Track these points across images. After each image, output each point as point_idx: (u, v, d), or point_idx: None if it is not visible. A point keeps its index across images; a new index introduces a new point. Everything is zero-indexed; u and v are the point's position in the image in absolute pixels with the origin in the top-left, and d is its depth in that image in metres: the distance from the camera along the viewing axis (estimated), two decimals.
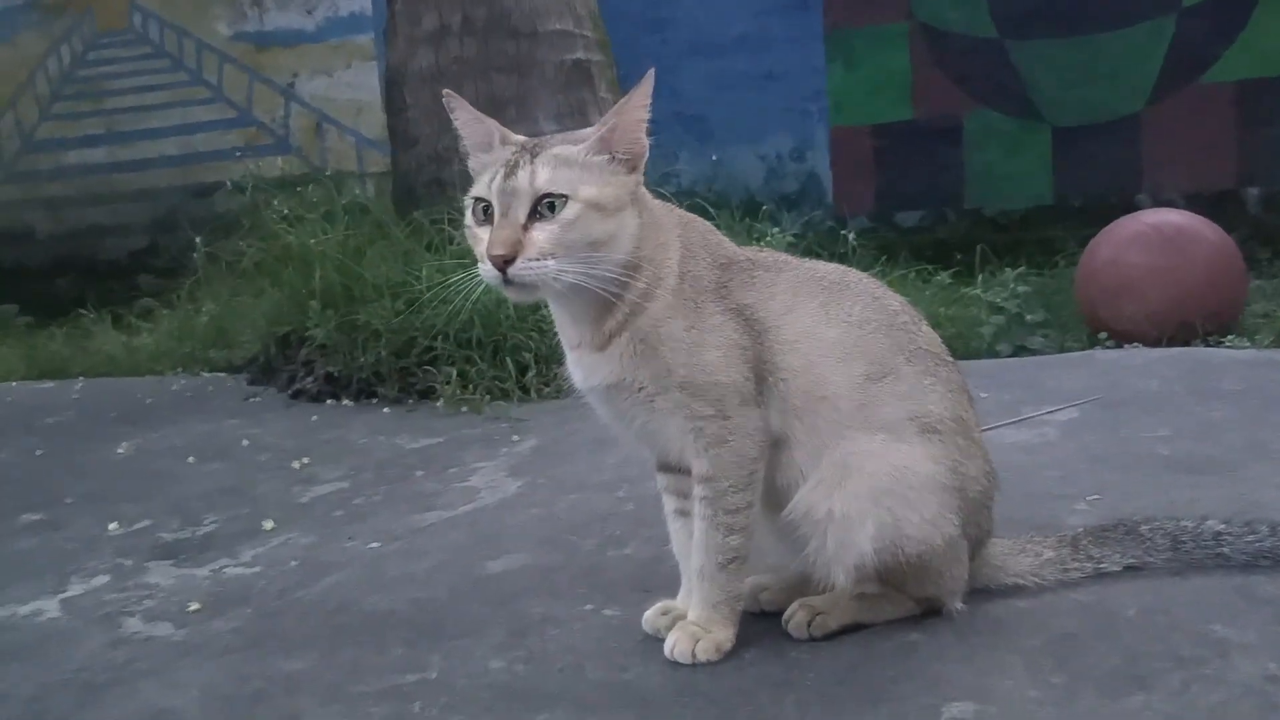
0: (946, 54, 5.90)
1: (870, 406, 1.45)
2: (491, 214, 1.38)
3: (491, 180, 1.38)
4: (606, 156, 1.40)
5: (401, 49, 4.50)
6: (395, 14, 4.54)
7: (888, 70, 6.01)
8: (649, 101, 1.41)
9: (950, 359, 1.56)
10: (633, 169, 1.42)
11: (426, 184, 4.35)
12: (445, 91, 1.49)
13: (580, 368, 1.49)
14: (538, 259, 1.34)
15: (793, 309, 1.47)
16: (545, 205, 1.35)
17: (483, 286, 1.43)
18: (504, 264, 1.34)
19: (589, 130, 1.43)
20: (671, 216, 1.51)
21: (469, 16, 4.38)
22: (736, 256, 1.52)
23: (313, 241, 3.86)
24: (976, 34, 5.82)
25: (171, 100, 7.56)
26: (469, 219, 1.43)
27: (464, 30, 4.38)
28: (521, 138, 1.46)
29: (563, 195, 1.36)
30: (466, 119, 1.47)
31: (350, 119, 7.16)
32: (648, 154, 1.44)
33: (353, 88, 7.12)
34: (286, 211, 4.07)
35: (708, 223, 1.56)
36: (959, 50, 5.87)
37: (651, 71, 1.40)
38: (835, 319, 1.48)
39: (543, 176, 1.36)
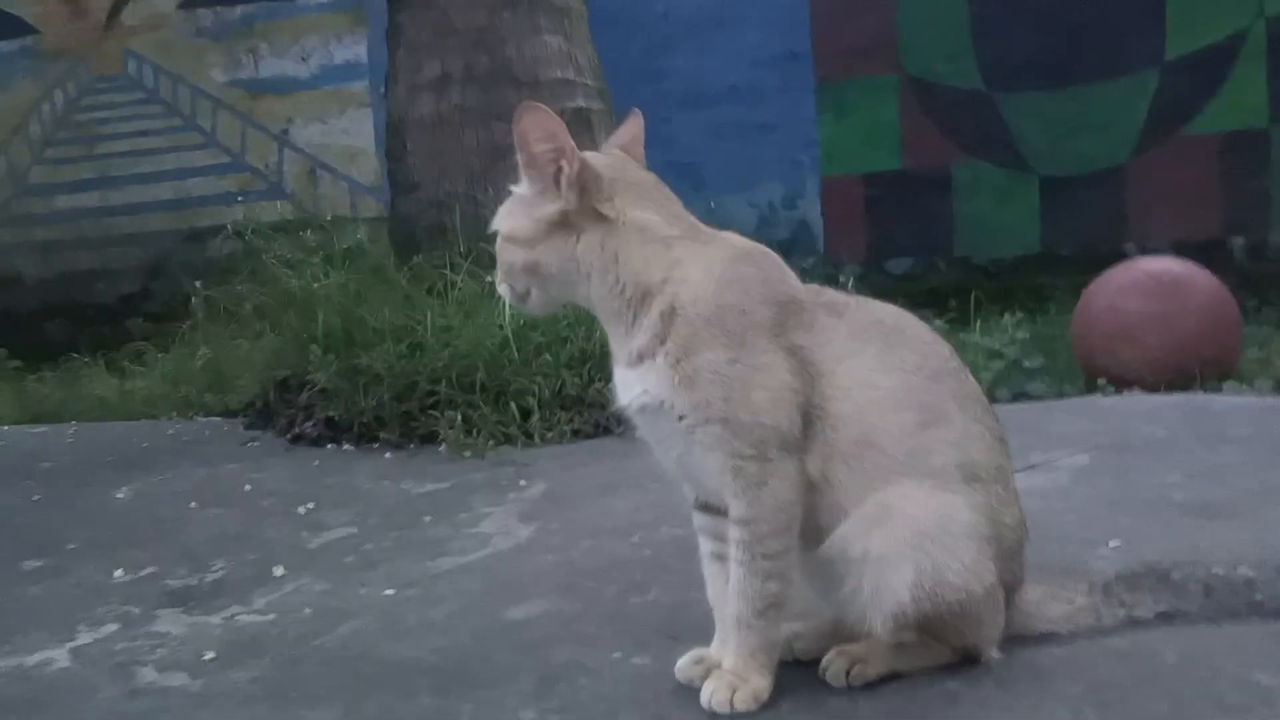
0: (935, 106, 6.02)
1: (919, 453, 1.44)
2: None
3: None
4: (537, 188, 1.46)
5: (403, 96, 4.54)
6: (397, 62, 4.59)
7: (878, 121, 6.11)
8: (540, 132, 1.42)
9: (991, 407, 1.57)
10: (582, 191, 1.42)
11: (428, 229, 4.37)
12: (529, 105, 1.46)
13: (619, 383, 1.51)
14: (498, 282, 1.53)
15: (850, 355, 1.46)
16: None
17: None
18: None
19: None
20: (699, 244, 1.47)
21: (471, 65, 4.44)
22: (797, 295, 1.49)
23: (315, 286, 3.85)
24: (965, 86, 5.95)
25: (165, 146, 7.55)
26: None
27: (466, 78, 4.44)
28: None
29: (497, 230, 1.51)
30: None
31: (344, 165, 7.19)
32: (579, 176, 1.42)
33: (347, 134, 7.17)
34: (289, 256, 4.07)
35: (775, 258, 1.52)
36: (948, 102, 5.99)
37: (529, 105, 1.42)
38: (891, 366, 1.47)
39: (497, 214, 1.52)
